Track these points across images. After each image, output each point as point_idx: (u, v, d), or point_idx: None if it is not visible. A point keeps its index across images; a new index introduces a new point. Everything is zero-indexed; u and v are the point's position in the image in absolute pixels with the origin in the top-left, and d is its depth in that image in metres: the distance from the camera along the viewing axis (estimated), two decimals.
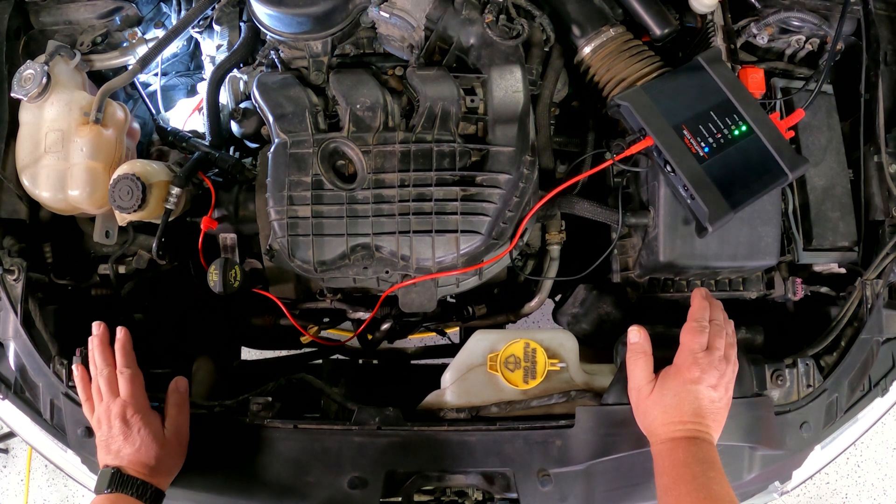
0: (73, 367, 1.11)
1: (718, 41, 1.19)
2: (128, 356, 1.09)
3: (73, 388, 1.14)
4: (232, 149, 1.35)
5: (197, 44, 1.51)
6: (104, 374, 1.07)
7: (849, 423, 1.22)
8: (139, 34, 1.36)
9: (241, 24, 1.32)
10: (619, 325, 1.25)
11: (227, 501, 1.07)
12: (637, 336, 1.05)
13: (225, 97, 1.34)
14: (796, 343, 1.18)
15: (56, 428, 1.18)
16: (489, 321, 1.34)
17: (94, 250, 1.33)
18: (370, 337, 1.40)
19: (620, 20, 1.20)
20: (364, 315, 1.30)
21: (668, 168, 1.06)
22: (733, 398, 1.03)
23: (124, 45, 1.34)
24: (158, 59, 1.32)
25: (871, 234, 1.25)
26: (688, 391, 0.98)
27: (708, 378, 0.98)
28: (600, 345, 1.23)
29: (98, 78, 1.34)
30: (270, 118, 1.13)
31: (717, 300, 1.08)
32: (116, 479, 0.98)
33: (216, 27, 1.35)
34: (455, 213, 1.09)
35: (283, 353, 1.54)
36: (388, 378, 1.52)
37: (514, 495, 1.06)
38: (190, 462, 1.06)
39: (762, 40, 1.25)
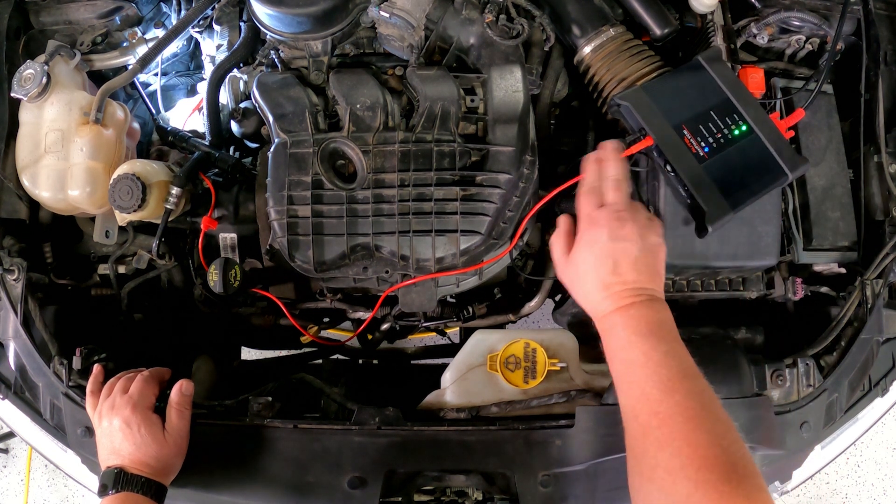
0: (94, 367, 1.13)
1: (718, 41, 1.19)
2: (161, 373, 1.12)
3: (74, 387, 1.14)
4: (232, 149, 1.35)
5: (197, 44, 1.50)
6: (126, 375, 1.09)
7: (849, 423, 1.22)
8: (139, 34, 1.36)
9: (241, 23, 1.32)
10: None
11: (227, 501, 1.07)
12: (563, 222, 1.00)
13: (225, 97, 1.34)
14: (796, 343, 1.18)
15: (56, 428, 1.18)
16: (489, 321, 1.34)
17: (94, 250, 1.33)
18: (370, 337, 1.39)
19: (620, 20, 1.20)
20: (364, 315, 1.30)
21: (669, 168, 1.06)
22: (732, 398, 1.03)
23: (124, 45, 1.34)
24: (158, 59, 1.32)
25: (871, 234, 1.25)
26: (594, 253, 0.91)
27: (610, 230, 0.90)
28: (600, 345, 1.23)
29: (98, 78, 1.34)
30: (270, 118, 1.13)
31: (609, 155, 0.98)
32: (121, 479, 0.98)
33: (216, 27, 1.35)
34: (455, 213, 1.09)
35: (283, 353, 1.54)
36: (388, 378, 1.52)
37: (514, 495, 1.06)
38: (190, 462, 1.06)
39: (762, 40, 1.25)
